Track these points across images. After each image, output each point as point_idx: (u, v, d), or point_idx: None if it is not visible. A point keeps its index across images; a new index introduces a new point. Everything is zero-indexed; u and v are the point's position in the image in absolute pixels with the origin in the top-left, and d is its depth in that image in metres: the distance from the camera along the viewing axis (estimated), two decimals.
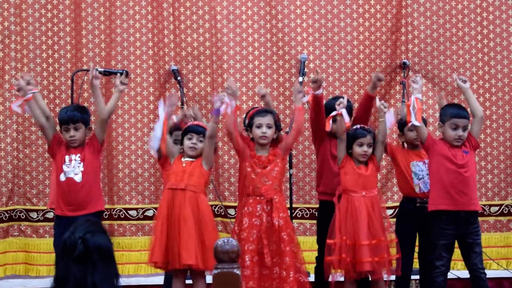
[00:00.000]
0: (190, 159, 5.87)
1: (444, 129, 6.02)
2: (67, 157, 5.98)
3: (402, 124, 6.30)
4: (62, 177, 5.98)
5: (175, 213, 5.75)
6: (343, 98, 6.08)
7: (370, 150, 6.01)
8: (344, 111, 5.96)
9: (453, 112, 6.03)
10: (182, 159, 5.89)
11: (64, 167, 5.96)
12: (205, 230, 5.75)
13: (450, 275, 6.56)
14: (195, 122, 6.06)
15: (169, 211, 5.76)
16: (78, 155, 5.96)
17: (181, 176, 5.81)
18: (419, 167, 6.28)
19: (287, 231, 5.84)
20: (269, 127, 5.91)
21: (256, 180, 5.86)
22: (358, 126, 6.12)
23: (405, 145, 6.44)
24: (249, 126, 6.02)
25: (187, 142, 5.88)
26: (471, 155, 6.03)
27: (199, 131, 5.89)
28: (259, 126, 5.93)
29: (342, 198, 6.02)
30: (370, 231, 5.87)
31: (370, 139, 6.00)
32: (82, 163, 5.95)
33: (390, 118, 6.09)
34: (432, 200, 6.02)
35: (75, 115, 5.99)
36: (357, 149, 5.99)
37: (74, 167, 5.93)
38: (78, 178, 5.94)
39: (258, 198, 5.85)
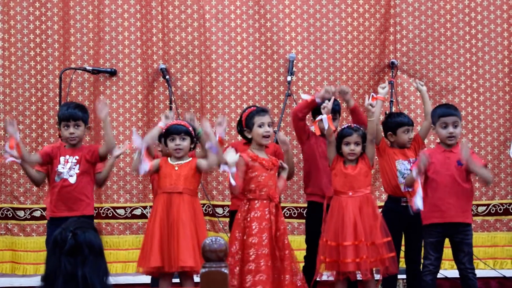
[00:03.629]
0: (181, 162, 5.84)
1: (436, 130, 6.10)
2: (62, 158, 5.95)
3: (395, 124, 6.32)
4: (57, 179, 5.96)
5: (172, 216, 5.70)
6: (329, 100, 6.06)
7: (358, 149, 5.98)
8: (324, 117, 5.95)
9: (441, 111, 6.09)
10: (171, 162, 5.84)
11: (59, 168, 5.92)
12: (201, 233, 5.73)
13: (438, 274, 6.57)
14: (175, 122, 5.98)
15: (166, 215, 5.71)
16: (76, 157, 5.95)
17: (176, 180, 5.76)
18: (404, 166, 6.29)
19: (287, 236, 5.85)
20: (269, 125, 5.90)
21: (262, 184, 5.82)
22: (346, 125, 6.12)
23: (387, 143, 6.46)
24: (247, 127, 5.96)
25: (171, 145, 5.82)
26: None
27: (180, 130, 5.82)
28: (261, 125, 5.88)
29: (333, 199, 6.02)
30: (356, 231, 5.84)
31: (357, 137, 5.98)
32: (78, 165, 5.93)
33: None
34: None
35: (76, 113, 5.98)
36: (344, 148, 5.98)
37: (69, 169, 5.90)
38: (72, 180, 5.91)
39: (265, 201, 5.81)
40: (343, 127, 6.09)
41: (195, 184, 5.85)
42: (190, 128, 5.87)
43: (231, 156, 5.68)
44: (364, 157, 6.03)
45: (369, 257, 5.79)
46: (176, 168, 5.79)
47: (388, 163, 6.33)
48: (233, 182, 5.68)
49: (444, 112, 6.08)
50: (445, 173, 5.94)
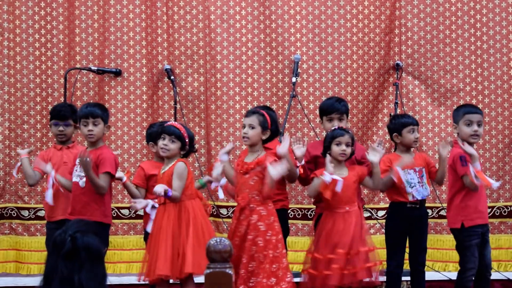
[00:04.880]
0: (167, 167, 5.73)
1: (459, 129, 6.03)
2: (78, 161, 5.86)
3: (400, 124, 6.26)
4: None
5: (168, 226, 5.60)
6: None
7: (349, 150, 5.87)
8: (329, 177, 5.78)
9: (466, 109, 6.09)
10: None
11: (74, 171, 5.88)
12: (202, 234, 5.65)
13: (441, 277, 6.57)
14: (171, 123, 5.89)
15: (160, 225, 5.63)
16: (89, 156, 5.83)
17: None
18: (410, 175, 6.20)
19: (261, 238, 5.60)
20: (251, 127, 5.70)
21: (237, 186, 5.73)
22: (337, 126, 6.02)
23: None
24: None
25: (159, 143, 5.74)
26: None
27: (171, 131, 5.71)
28: (243, 127, 5.84)
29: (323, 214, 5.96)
30: (327, 244, 5.77)
31: (348, 138, 5.88)
32: None
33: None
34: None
35: (95, 110, 5.94)
36: (335, 148, 5.84)
37: (80, 171, 5.83)
38: (81, 182, 5.83)
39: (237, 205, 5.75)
40: (333, 128, 5.97)
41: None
42: (185, 134, 5.76)
43: (215, 170, 5.74)
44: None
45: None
46: (161, 176, 5.72)
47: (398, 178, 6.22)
48: (220, 195, 5.76)
49: (470, 110, 6.06)
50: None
